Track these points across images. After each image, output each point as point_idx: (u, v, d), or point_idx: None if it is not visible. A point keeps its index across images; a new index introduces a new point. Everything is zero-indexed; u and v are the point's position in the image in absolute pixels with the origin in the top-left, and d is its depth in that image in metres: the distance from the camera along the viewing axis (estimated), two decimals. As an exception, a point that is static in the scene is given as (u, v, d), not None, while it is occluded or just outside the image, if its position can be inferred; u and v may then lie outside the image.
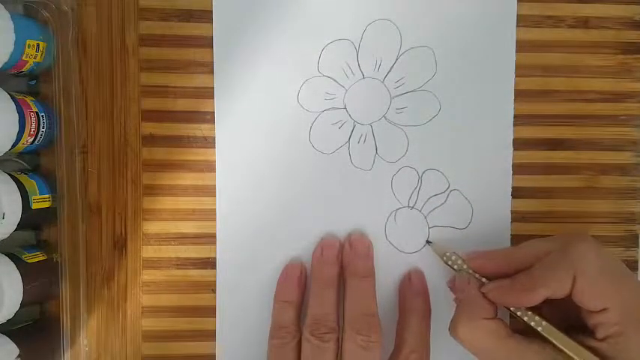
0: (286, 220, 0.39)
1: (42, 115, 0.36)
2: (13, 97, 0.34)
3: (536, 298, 0.32)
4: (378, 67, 0.38)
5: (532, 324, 0.33)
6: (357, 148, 0.39)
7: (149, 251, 0.39)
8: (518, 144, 0.39)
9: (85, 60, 0.38)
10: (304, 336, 0.35)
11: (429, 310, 0.38)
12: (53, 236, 0.38)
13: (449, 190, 0.39)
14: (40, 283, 0.36)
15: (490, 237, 0.39)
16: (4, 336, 0.35)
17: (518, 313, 0.34)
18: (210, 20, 0.38)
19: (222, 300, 0.39)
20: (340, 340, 0.35)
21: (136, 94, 0.38)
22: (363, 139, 0.39)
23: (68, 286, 0.37)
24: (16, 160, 0.37)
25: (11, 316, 0.35)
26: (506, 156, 0.39)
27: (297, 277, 0.38)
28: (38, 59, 0.36)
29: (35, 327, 0.37)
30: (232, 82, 0.38)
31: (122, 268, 0.39)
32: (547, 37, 0.39)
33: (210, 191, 0.38)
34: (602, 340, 0.32)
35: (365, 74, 0.39)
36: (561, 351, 0.32)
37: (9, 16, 0.33)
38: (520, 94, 0.39)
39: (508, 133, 0.39)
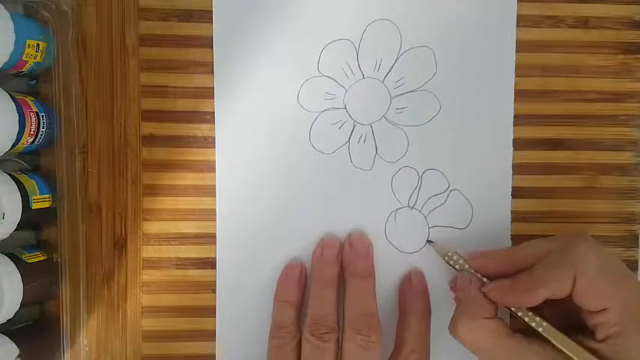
0: (286, 220, 0.39)
1: (42, 115, 0.36)
2: (13, 97, 0.34)
3: (537, 298, 0.32)
4: (378, 67, 0.38)
5: (533, 325, 0.33)
6: (357, 148, 0.39)
7: (149, 251, 0.39)
8: (518, 144, 0.39)
9: (85, 60, 0.38)
10: (304, 336, 0.35)
11: (429, 310, 0.38)
12: (53, 236, 0.38)
13: (449, 190, 0.39)
14: (40, 283, 0.36)
15: (490, 237, 0.39)
16: (4, 336, 0.35)
17: (519, 314, 0.33)
18: (210, 20, 0.38)
19: (222, 300, 0.39)
20: (340, 340, 0.35)
21: (136, 94, 0.38)
22: (363, 139, 0.39)
23: (68, 286, 0.37)
24: (16, 160, 0.37)
25: (11, 316, 0.35)
26: (506, 156, 0.39)
27: (297, 277, 0.38)
28: (38, 59, 0.36)
29: (35, 327, 0.37)
30: (232, 82, 0.38)
31: (122, 268, 0.39)
32: (547, 37, 0.39)
33: (210, 191, 0.38)
34: (602, 340, 0.32)
35: (365, 74, 0.39)
36: (561, 352, 0.32)
37: (9, 16, 0.33)
38: (520, 94, 0.39)
39: (508, 133, 0.39)
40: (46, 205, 0.36)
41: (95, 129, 0.38)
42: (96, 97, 0.38)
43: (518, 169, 0.39)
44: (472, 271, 0.36)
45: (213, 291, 0.39)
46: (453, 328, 0.34)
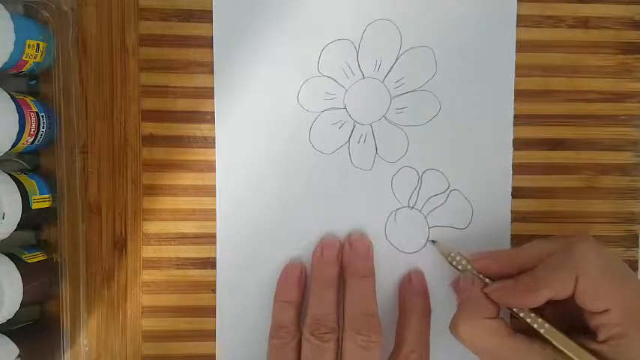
0: (286, 220, 0.39)
1: (42, 115, 0.36)
2: (13, 97, 0.34)
3: (539, 299, 0.32)
4: (378, 67, 0.38)
5: (535, 326, 0.33)
6: (357, 148, 0.39)
7: (149, 251, 0.39)
8: (518, 144, 0.39)
9: (85, 60, 0.38)
10: (304, 336, 0.35)
11: (429, 310, 0.38)
12: (53, 236, 0.38)
13: (449, 190, 0.39)
14: (40, 283, 0.36)
15: (490, 237, 0.39)
16: (4, 336, 0.35)
17: (521, 315, 0.33)
18: (210, 20, 0.38)
19: (222, 300, 0.39)
20: (340, 340, 0.35)
21: (136, 94, 0.38)
22: (363, 139, 0.39)
23: (68, 286, 0.37)
24: (16, 160, 0.37)
25: (11, 316, 0.35)
26: (506, 156, 0.39)
27: (297, 277, 0.38)
28: (38, 59, 0.36)
29: (35, 327, 0.37)
30: (232, 82, 0.38)
31: (122, 268, 0.39)
32: (547, 37, 0.39)
33: (210, 191, 0.38)
34: (604, 342, 0.32)
35: (365, 74, 0.39)
36: (563, 353, 0.32)
37: (9, 16, 0.33)
38: (520, 94, 0.39)
39: (508, 133, 0.39)
40: (46, 205, 0.36)
41: (95, 129, 0.38)
42: (96, 97, 0.38)
43: (518, 169, 0.39)
44: (475, 272, 0.36)
45: (213, 291, 0.39)
46: (453, 327, 0.34)
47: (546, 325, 0.33)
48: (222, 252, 0.39)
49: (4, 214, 0.33)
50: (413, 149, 0.39)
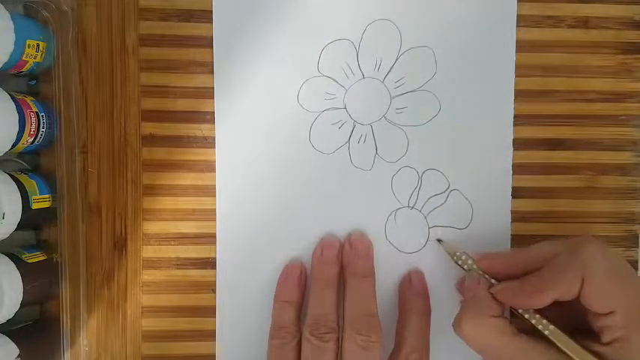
0: (286, 220, 0.39)
1: (42, 115, 0.36)
2: (13, 97, 0.34)
3: (545, 299, 0.32)
4: (378, 67, 0.38)
5: (539, 327, 0.33)
6: (357, 148, 0.39)
7: (149, 251, 0.39)
8: (518, 144, 0.39)
9: (85, 60, 0.38)
10: (304, 336, 0.35)
11: (429, 310, 0.38)
12: (53, 236, 0.38)
13: (449, 190, 0.39)
14: (40, 283, 0.36)
15: (490, 237, 0.39)
16: (4, 336, 0.35)
17: (526, 316, 0.33)
18: (210, 20, 0.38)
19: (222, 300, 0.39)
20: (340, 340, 0.35)
21: (136, 94, 0.38)
22: (363, 139, 0.39)
23: (68, 286, 0.37)
24: (16, 160, 0.37)
25: (11, 316, 0.35)
26: (506, 156, 0.39)
27: (297, 277, 0.38)
28: (38, 59, 0.36)
29: (35, 327, 0.37)
30: (232, 82, 0.38)
31: (122, 268, 0.39)
32: (547, 37, 0.39)
33: (210, 191, 0.38)
34: (608, 344, 0.31)
35: (365, 74, 0.39)
36: (566, 354, 0.32)
37: (9, 16, 0.33)
38: (520, 94, 0.39)
39: (508, 133, 0.39)
40: (46, 205, 0.36)
41: (95, 129, 0.38)
42: (96, 97, 0.38)
43: (518, 169, 0.39)
44: (480, 271, 0.36)
45: (213, 291, 0.39)
46: (457, 325, 0.34)
47: (551, 326, 0.33)
48: (222, 252, 0.39)
49: (4, 214, 0.33)
50: (413, 149, 0.39)
